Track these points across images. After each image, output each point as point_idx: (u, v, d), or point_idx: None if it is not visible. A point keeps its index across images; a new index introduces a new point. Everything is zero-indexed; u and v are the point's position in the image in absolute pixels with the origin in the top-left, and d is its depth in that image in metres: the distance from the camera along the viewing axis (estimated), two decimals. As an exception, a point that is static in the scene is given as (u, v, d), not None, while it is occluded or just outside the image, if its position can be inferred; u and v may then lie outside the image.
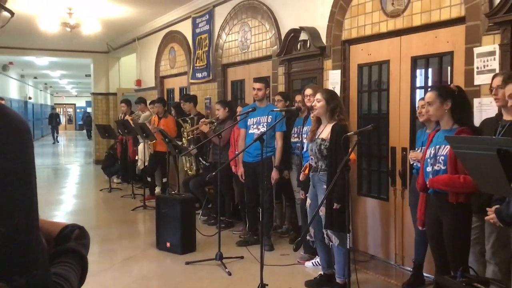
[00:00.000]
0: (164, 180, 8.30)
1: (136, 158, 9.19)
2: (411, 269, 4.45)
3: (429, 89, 3.88)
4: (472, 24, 3.94)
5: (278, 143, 5.48)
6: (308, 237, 4.56)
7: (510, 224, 2.85)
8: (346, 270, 3.88)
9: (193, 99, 7.79)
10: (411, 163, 4.25)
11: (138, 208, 7.89)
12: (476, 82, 3.91)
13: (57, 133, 26.99)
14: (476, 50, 3.90)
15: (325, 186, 4.10)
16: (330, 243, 4.21)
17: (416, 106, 4.31)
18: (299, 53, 5.84)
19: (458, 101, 3.31)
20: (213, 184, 6.28)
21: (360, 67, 5.24)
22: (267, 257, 4.20)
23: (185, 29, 9.14)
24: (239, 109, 6.24)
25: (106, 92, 14.28)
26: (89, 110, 30.61)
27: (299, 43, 5.83)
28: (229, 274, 4.75)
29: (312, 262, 4.95)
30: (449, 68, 4.34)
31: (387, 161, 4.95)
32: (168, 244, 5.50)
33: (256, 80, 5.82)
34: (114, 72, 14.28)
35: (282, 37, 6.13)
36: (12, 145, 0.88)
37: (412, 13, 4.48)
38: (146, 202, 7.94)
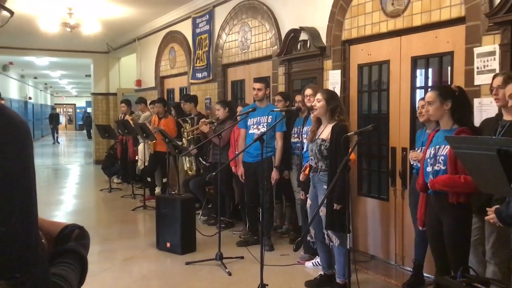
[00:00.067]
0: (164, 180, 8.30)
1: (136, 158, 9.19)
2: (411, 269, 4.45)
3: (429, 89, 3.88)
4: (472, 24, 3.94)
5: (278, 143, 5.48)
6: (308, 238, 4.56)
7: (510, 224, 2.85)
8: (346, 270, 3.88)
9: (194, 99, 7.79)
10: (411, 163, 4.25)
11: (138, 208, 7.89)
12: (476, 82, 3.91)
13: (57, 133, 26.95)
14: (476, 50, 3.90)
15: (325, 187, 4.10)
16: (331, 243, 4.21)
17: (416, 106, 4.31)
18: (299, 53, 5.84)
19: (458, 101, 3.31)
20: (213, 184, 6.28)
21: (360, 67, 5.24)
22: (267, 257, 4.20)
23: (185, 29, 9.13)
24: (239, 109, 6.24)
25: (106, 92, 14.28)
26: (89, 110, 30.58)
27: (299, 43, 5.83)
28: (229, 274, 4.75)
29: (312, 262, 4.95)
30: (449, 68, 4.34)
31: (387, 161, 4.95)
32: (168, 244, 5.50)
33: (256, 80, 5.82)
34: (114, 72, 14.28)
35: (282, 37, 6.14)
36: (12, 145, 0.88)
37: (412, 13, 4.48)
38: (146, 202, 7.94)
